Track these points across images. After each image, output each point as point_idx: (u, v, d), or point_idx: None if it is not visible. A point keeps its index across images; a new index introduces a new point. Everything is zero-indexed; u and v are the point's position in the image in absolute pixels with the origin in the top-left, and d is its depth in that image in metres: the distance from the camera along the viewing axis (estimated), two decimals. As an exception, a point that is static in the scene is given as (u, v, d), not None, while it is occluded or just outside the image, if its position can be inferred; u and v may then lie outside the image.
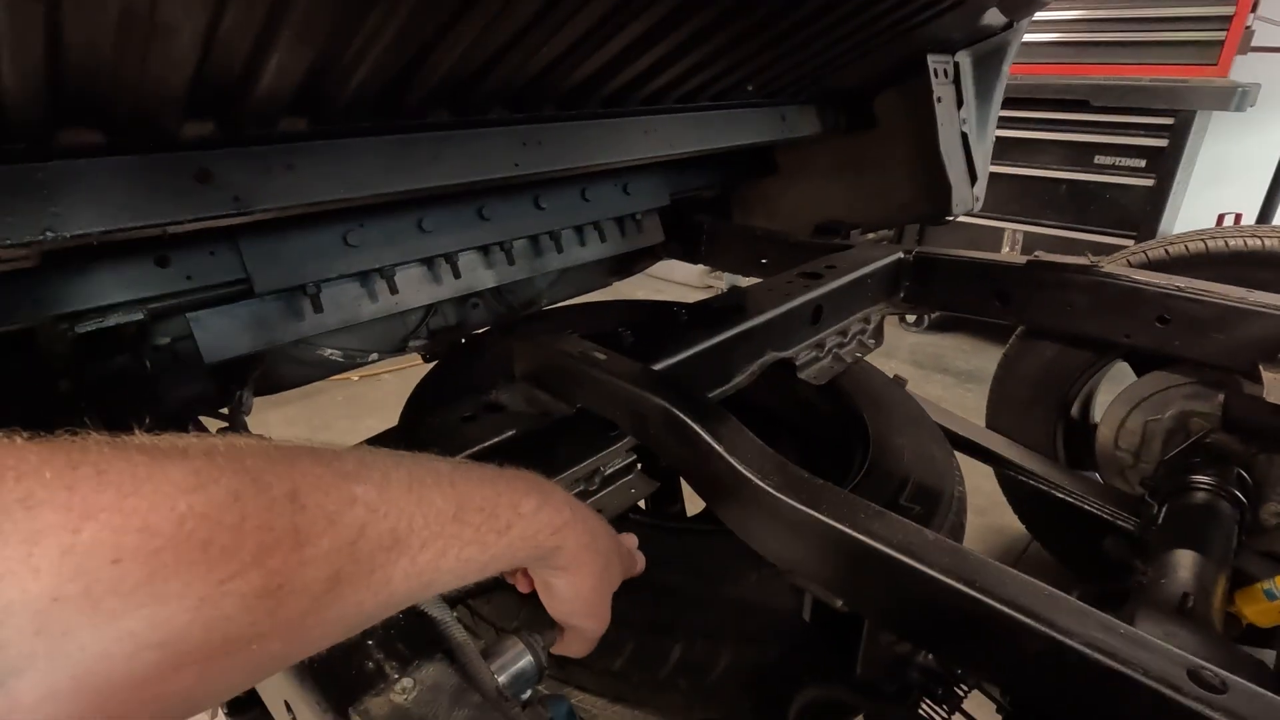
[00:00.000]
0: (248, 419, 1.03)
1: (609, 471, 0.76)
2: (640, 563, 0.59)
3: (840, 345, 1.17)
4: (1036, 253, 1.21)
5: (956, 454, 1.33)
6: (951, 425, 1.42)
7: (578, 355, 0.72)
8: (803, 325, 1.10)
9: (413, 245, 1.12)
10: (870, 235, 1.81)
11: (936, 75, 1.40)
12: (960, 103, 1.44)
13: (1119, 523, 1.22)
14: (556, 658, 0.69)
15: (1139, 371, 1.42)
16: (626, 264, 1.74)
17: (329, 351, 1.17)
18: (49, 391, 0.86)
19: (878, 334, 1.25)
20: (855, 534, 0.51)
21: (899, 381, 1.48)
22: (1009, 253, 2.72)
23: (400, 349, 1.27)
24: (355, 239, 1.04)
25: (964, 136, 1.45)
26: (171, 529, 0.25)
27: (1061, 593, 0.47)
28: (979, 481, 1.67)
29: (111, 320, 0.87)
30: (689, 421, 0.61)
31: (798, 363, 1.08)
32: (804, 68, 1.26)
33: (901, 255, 1.32)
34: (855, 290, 1.21)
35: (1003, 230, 2.69)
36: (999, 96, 1.53)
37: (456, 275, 1.21)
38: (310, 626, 0.31)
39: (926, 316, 3.05)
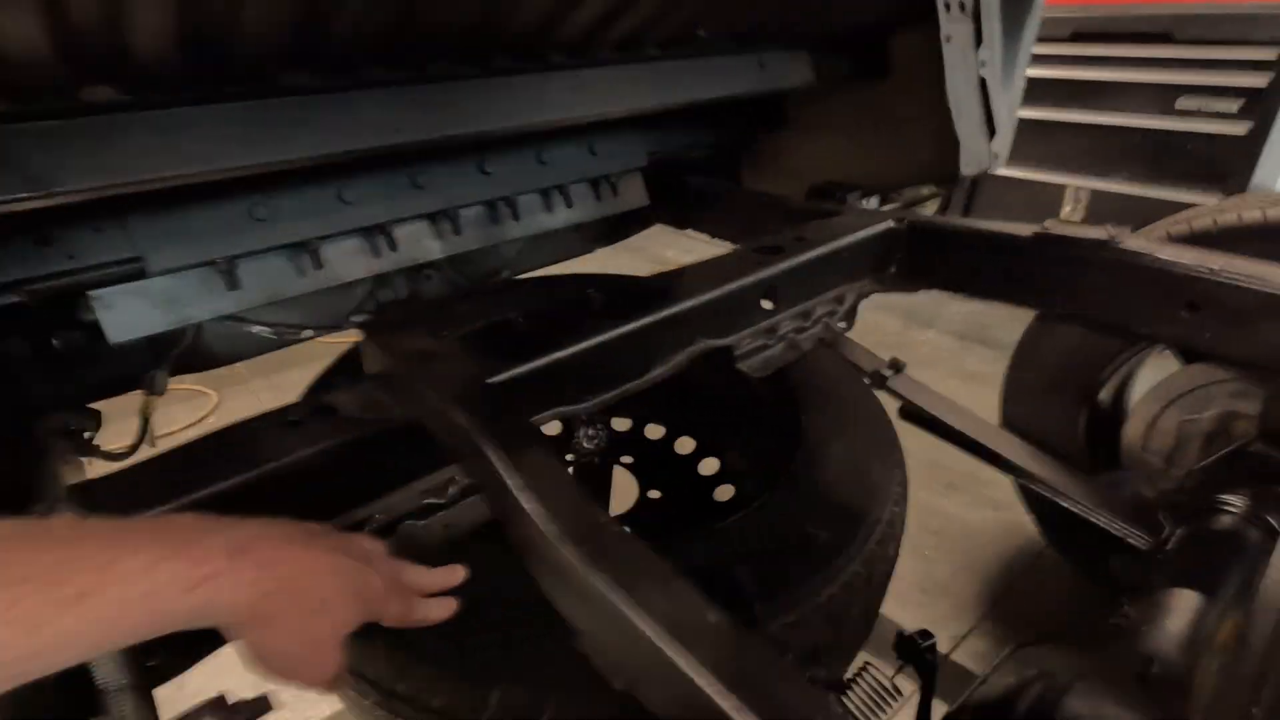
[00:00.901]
0: (161, 398, 1.01)
1: (466, 482, 0.68)
2: (420, 610, 0.51)
3: (800, 330, 1.04)
4: (1046, 223, 1.02)
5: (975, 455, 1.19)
6: (952, 419, 1.27)
7: (415, 357, 0.64)
8: (750, 308, 0.97)
9: (334, 218, 1.05)
10: (924, 194, 1.62)
11: (948, 9, 1.19)
12: (979, 41, 1.23)
13: (1130, 540, 1.05)
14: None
15: (1187, 360, 1.21)
16: (611, 229, 1.63)
17: (257, 328, 1.13)
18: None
19: (849, 316, 1.10)
20: (624, 609, 0.41)
21: (895, 366, 1.33)
22: (1069, 212, 2.41)
23: (342, 324, 1.22)
24: (263, 212, 0.98)
25: (982, 82, 1.25)
26: None
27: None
28: (998, 474, 1.51)
29: (-5, 301, 0.84)
30: (488, 451, 0.52)
31: (738, 351, 0.96)
32: (782, 4, 1.10)
33: (892, 224, 1.16)
34: (825, 266, 1.06)
35: (1065, 187, 2.39)
36: (1032, 31, 1.30)
37: (393, 247, 1.14)
38: None
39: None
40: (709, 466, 1.13)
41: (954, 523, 1.77)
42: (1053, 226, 1.03)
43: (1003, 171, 1.85)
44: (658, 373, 0.88)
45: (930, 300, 2.69)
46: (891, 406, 1.22)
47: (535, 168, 1.26)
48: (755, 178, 1.77)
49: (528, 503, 0.49)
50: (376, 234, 1.12)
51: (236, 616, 0.41)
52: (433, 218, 1.18)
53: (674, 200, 1.58)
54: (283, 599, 0.42)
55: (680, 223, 1.62)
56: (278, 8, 0.64)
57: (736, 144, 1.66)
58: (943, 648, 1.43)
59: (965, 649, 1.46)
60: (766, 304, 1.01)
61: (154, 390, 1.00)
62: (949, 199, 2.59)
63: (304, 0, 0.65)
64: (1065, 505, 1.16)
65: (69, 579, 0.34)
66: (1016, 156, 1.69)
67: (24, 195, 0.61)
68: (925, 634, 0.69)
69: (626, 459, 1.16)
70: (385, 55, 0.79)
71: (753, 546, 0.66)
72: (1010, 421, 1.39)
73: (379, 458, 0.65)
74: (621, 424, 1.21)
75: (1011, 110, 1.30)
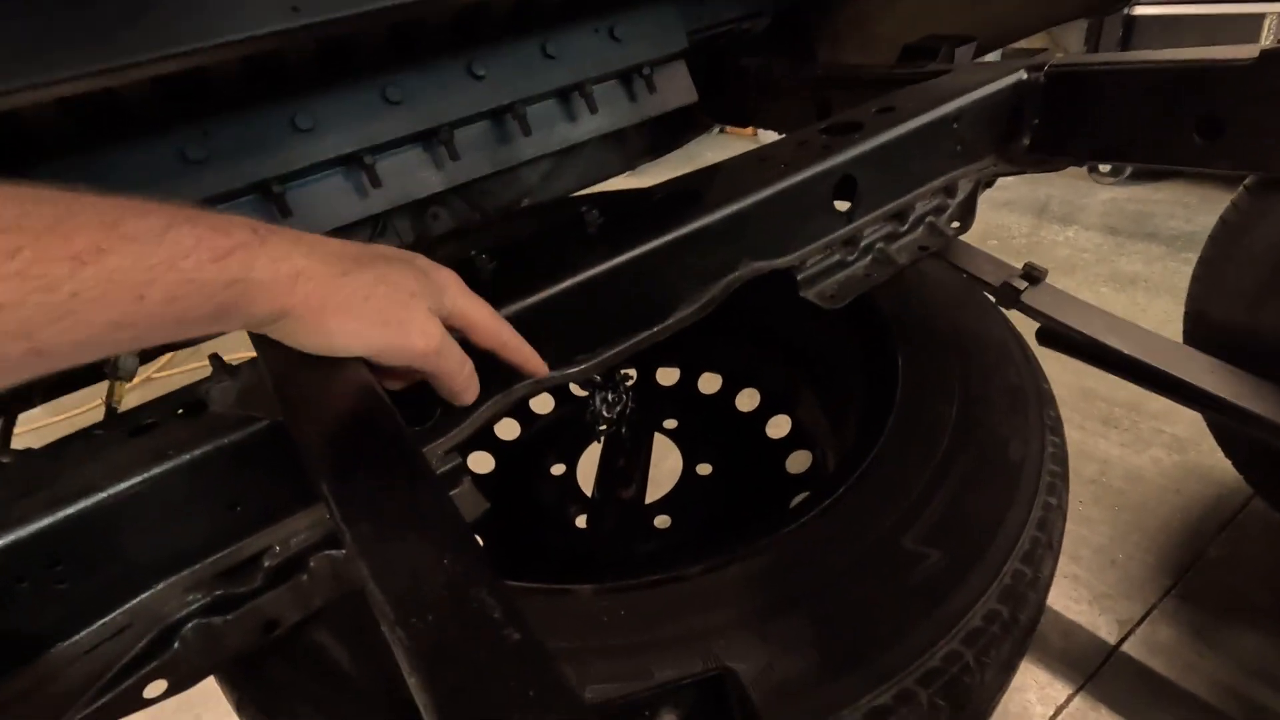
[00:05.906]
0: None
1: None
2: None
3: (892, 237, 0.75)
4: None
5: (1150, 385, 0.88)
6: (1113, 339, 0.94)
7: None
8: (816, 212, 0.70)
9: (290, 152, 0.86)
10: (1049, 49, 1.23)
11: None
12: None
13: None
14: None
15: None
16: (656, 137, 1.35)
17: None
18: None
19: (966, 212, 0.80)
20: None
21: (1030, 275, 1.01)
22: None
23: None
24: (197, 151, 0.80)
25: None
26: None
27: None
28: (1177, 407, 1.16)
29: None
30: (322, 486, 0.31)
31: (803, 274, 0.69)
32: None
33: (1024, 75, 0.83)
34: (925, 145, 0.76)
35: (1263, 16, 1.81)
36: None
37: (377, 184, 0.94)
38: None
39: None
40: (778, 427, 0.88)
41: (1116, 468, 1.40)
42: (1292, 38, 0.67)
43: (1166, 9, 1.40)
44: (684, 313, 0.63)
45: (1067, 188, 2.20)
46: (1029, 329, 0.91)
47: (541, 64, 1.01)
48: (835, 53, 1.42)
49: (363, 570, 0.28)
50: (355, 169, 0.93)
51: (281, 300, 0.36)
52: (423, 141, 0.97)
53: (729, 92, 1.28)
54: (337, 273, 0.38)
55: (741, 119, 1.32)
56: None
57: (804, 9, 1.32)
58: (1110, 637, 1.12)
59: (1141, 640, 1.13)
60: (841, 205, 0.73)
61: (118, 375, 0.87)
62: (1097, 41, 2.07)
63: None
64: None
65: (75, 233, 0.29)
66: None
67: None
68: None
69: (670, 423, 0.94)
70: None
71: (810, 582, 0.42)
72: (1201, 336, 1.04)
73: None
74: (669, 376, 0.98)
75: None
